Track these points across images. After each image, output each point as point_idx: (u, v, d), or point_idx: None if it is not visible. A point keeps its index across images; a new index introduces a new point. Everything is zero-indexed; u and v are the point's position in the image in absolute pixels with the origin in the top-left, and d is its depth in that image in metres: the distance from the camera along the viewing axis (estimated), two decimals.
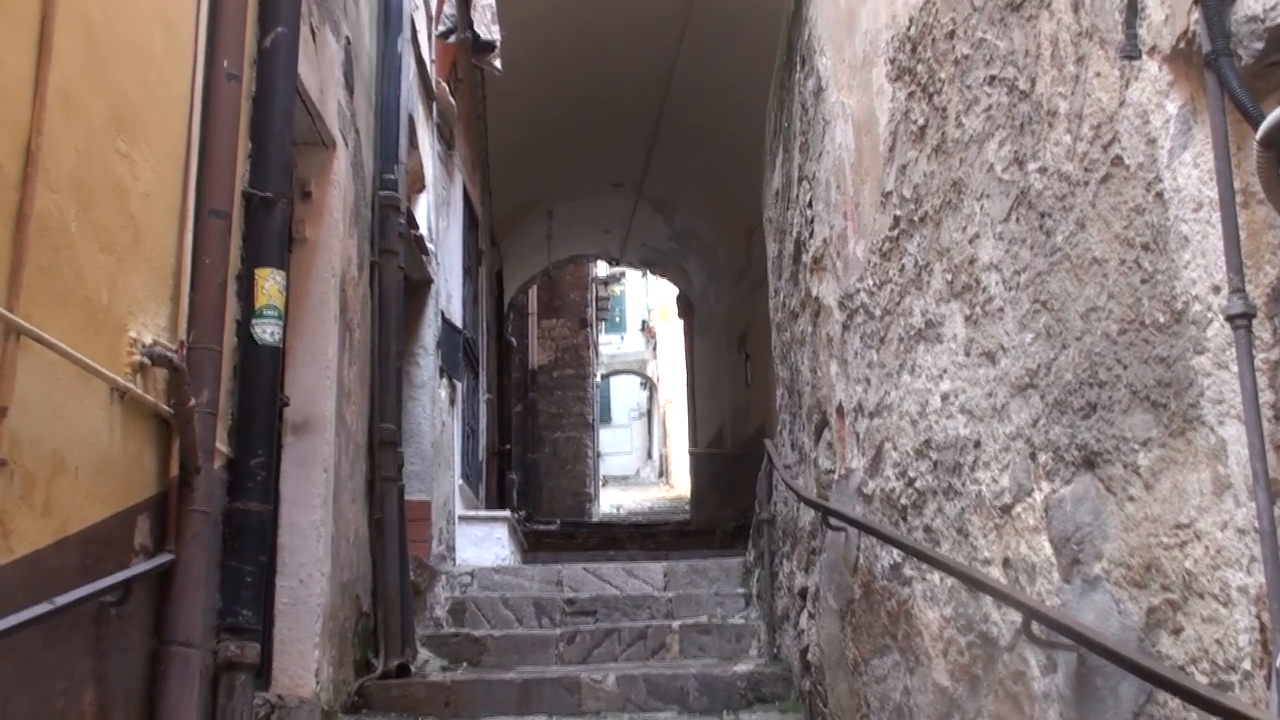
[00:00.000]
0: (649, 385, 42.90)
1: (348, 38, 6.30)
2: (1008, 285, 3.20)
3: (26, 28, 3.01)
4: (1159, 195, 2.43)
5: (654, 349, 40.30)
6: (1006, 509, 3.20)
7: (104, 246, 3.36)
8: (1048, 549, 2.95)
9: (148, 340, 3.59)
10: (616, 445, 43.00)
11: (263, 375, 4.43)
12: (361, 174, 6.51)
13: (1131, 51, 2.41)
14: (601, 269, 30.97)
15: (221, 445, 4.18)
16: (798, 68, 5.69)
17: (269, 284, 4.43)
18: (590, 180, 17.37)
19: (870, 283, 4.46)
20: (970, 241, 3.47)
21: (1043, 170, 2.98)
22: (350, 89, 6.28)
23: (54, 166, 3.07)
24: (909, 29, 4.00)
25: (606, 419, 41.48)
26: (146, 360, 3.56)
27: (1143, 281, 2.49)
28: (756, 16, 11.40)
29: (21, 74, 2.97)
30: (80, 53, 3.26)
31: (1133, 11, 2.41)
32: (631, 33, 12.64)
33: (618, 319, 42.10)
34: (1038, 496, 3.01)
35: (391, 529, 6.33)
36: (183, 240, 3.94)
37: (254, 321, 4.40)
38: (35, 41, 3.03)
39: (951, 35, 3.60)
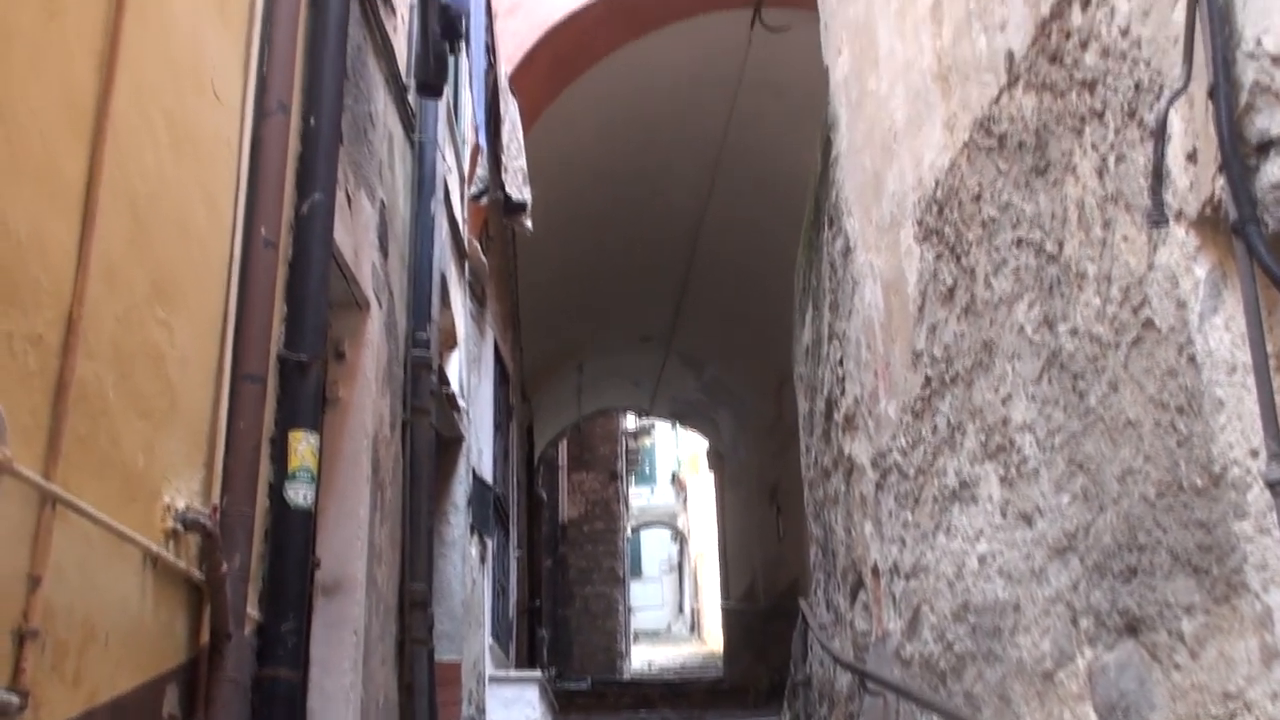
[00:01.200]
0: (679, 538, 42.58)
1: (382, 201, 6.42)
2: (1042, 446, 3.18)
3: (72, 201, 3.08)
4: (1191, 358, 2.43)
5: (684, 501, 40.09)
6: (1049, 675, 3.13)
7: (141, 413, 3.39)
8: (1093, 718, 2.88)
9: (181, 506, 3.59)
10: (647, 599, 42.51)
11: (295, 539, 4.42)
12: (394, 334, 6.57)
13: (1159, 218, 2.43)
14: (631, 421, 31.01)
15: (252, 610, 4.15)
16: (826, 227, 5.77)
17: (302, 446, 4.44)
18: (620, 334, 17.52)
19: (903, 442, 4.45)
20: (1003, 402, 3.46)
21: (1073, 332, 2.99)
22: (384, 251, 6.39)
23: (94, 335, 3.12)
24: (935, 192, 4.05)
25: (637, 572, 41.07)
26: (180, 526, 3.56)
27: (1179, 445, 2.47)
28: (783, 172, 11.61)
29: (65, 246, 3.03)
30: (124, 224, 3.33)
31: (1158, 179, 2.44)
32: (660, 190, 12.87)
33: (648, 471, 41.97)
34: (1080, 663, 2.95)
35: (421, 693, 6.24)
36: (218, 404, 3.96)
37: (286, 484, 4.40)
38: (80, 214, 3.10)
39: (978, 198, 3.65)
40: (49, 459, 2.90)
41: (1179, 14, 2.47)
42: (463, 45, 6.09)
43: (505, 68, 8.76)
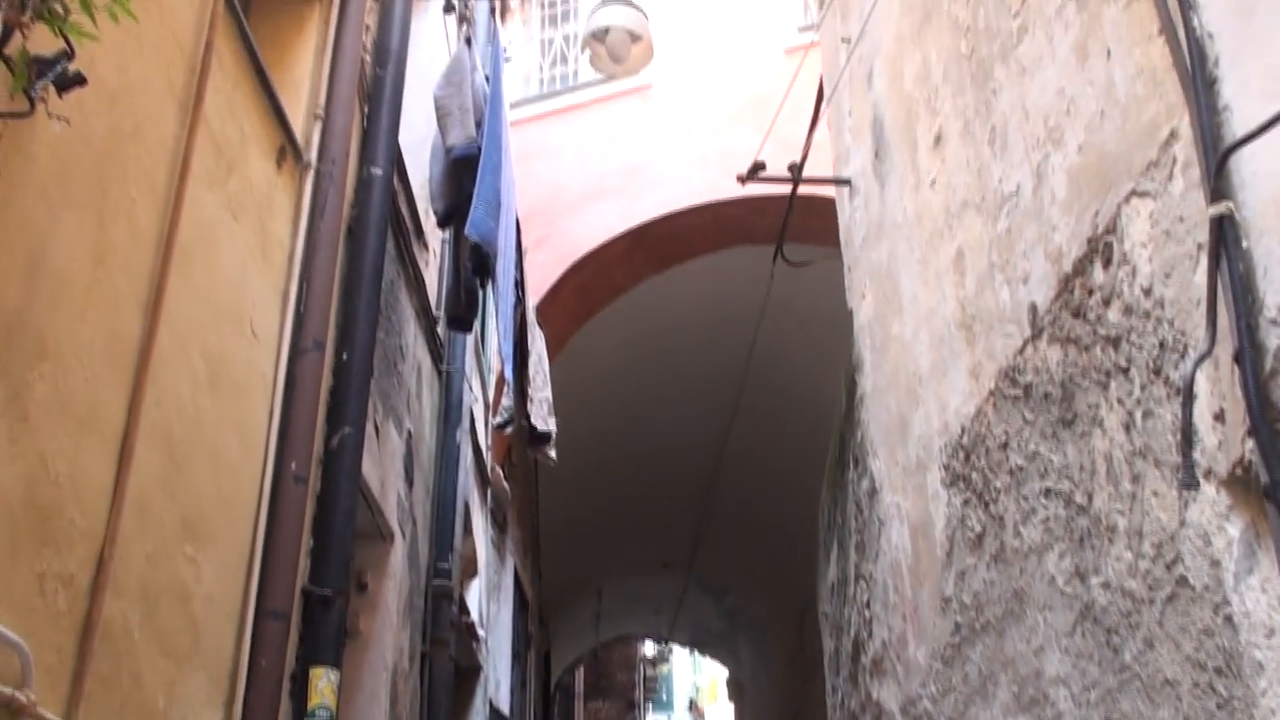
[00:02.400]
0: None
1: (409, 431, 6.49)
2: (1077, 701, 3.12)
3: (110, 439, 3.13)
4: (1228, 619, 2.40)
5: None
6: None
7: (164, 651, 3.37)
8: None
9: None
10: None
11: None
12: (416, 564, 6.55)
13: (1190, 482, 2.44)
14: (649, 648, 30.47)
15: None
16: (851, 466, 5.79)
17: (322, 683, 4.39)
18: (640, 561, 17.39)
19: (933, 689, 4.37)
20: (1035, 653, 3.41)
21: (1106, 585, 2.97)
22: (410, 480, 6.42)
23: (123, 574, 3.13)
24: (961, 437, 4.08)
25: None
26: None
27: (1219, 707, 2.43)
28: (805, 401, 11.70)
29: (101, 485, 3.07)
30: (159, 463, 3.37)
31: (1188, 442, 2.46)
32: (683, 417, 12.96)
33: (664, 698, 41.00)
34: None
35: None
36: (240, 641, 3.94)
37: None
38: (116, 454, 3.15)
39: (1005, 446, 3.67)
40: (71, 700, 2.88)
41: (1200, 277, 2.53)
42: (491, 279, 6.25)
43: (532, 299, 8.95)
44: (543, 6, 12.21)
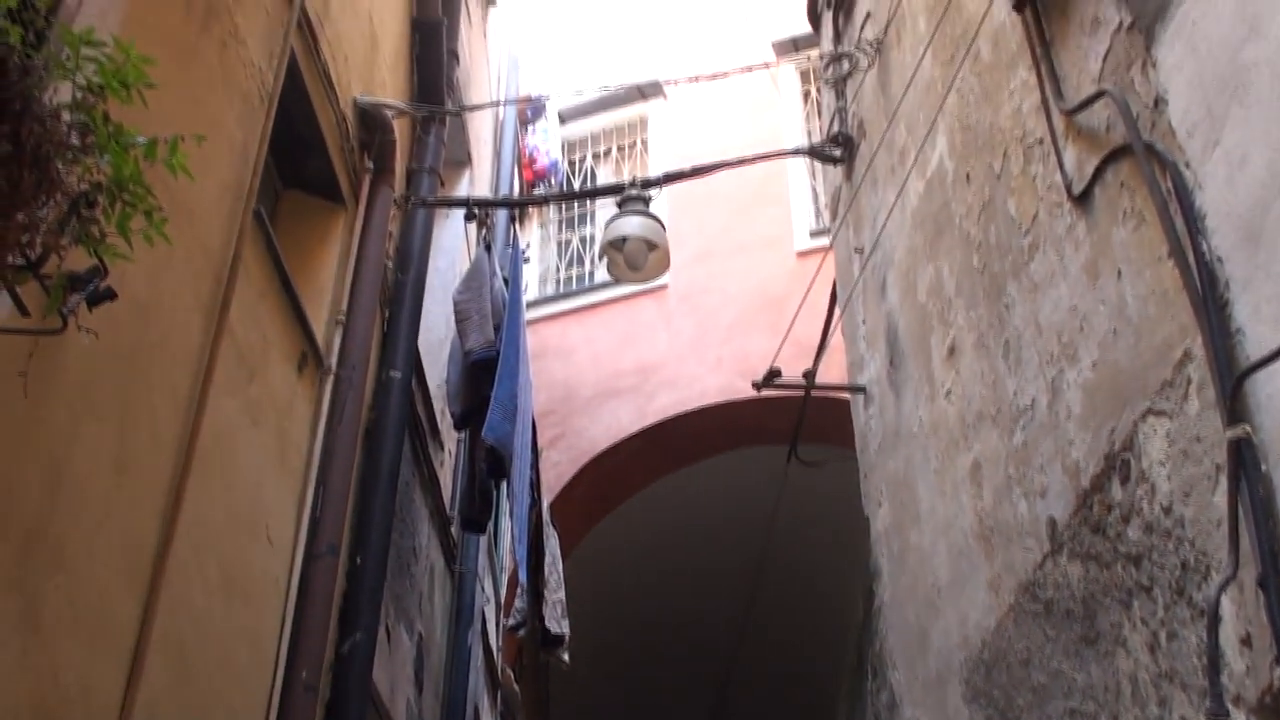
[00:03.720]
0: None
1: (420, 634, 6.41)
2: None
3: (120, 652, 3.10)
4: None
5: None
6: None
7: None
8: None
9: None
10: None
11: None
12: None
13: (1218, 710, 2.39)
14: None
15: None
16: (869, 677, 5.69)
17: None
18: None
19: None
20: None
21: None
22: (420, 685, 6.31)
23: None
24: (982, 652, 4.02)
25: None
26: None
27: None
28: (820, 594, 11.56)
29: (110, 698, 3.02)
30: (169, 673, 3.33)
31: (1214, 668, 2.42)
32: (697, 613, 12.78)
33: None
34: None
35: None
36: None
37: None
38: (127, 664, 3.11)
39: (1026, 663, 3.61)
40: None
41: (1220, 498, 2.52)
42: (506, 482, 6.26)
43: (546, 498, 8.94)
44: (560, 210, 12.51)
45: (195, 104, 3.61)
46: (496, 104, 9.71)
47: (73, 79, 2.21)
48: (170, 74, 3.26)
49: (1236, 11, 2.58)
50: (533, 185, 11.57)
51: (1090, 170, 3.26)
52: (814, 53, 8.89)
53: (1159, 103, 2.90)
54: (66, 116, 2.21)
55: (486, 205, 7.47)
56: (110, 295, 2.66)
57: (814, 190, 10.79)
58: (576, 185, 12.41)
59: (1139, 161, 2.94)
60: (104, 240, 2.34)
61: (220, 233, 3.77)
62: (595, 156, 12.66)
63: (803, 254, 10.40)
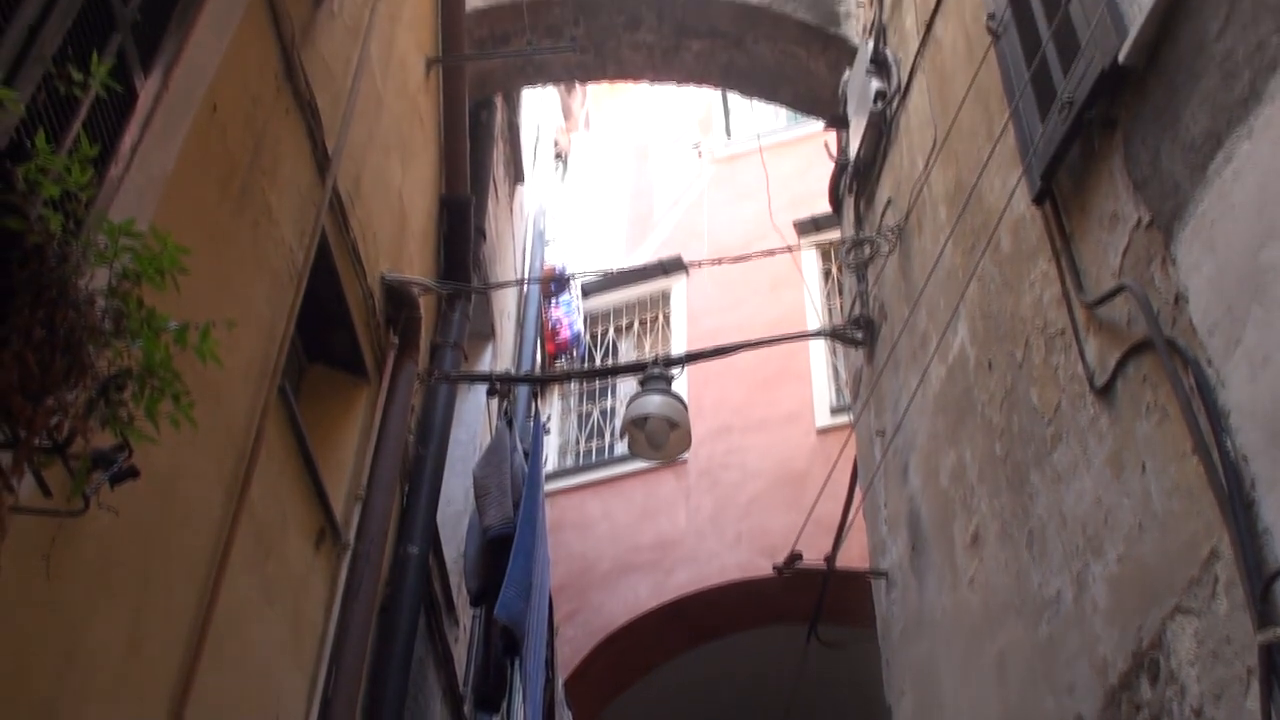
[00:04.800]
0: None
1: None
2: None
3: None
4: None
5: None
6: None
7: None
8: None
9: None
10: None
11: None
12: None
13: None
14: None
15: None
16: None
17: None
18: None
19: None
20: None
21: None
22: None
23: None
24: None
25: None
26: None
27: None
28: None
29: None
30: None
31: None
32: None
33: None
34: None
35: None
36: None
37: None
38: None
39: None
40: None
41: (1252, 702, 2.47)
42: (520, 660, 6.18)
43: (560, 675, 8.79)
44: (581, 383, 12.58)
45: (226, 284, 3.67)
46: (521, 282, 9.86)
47: (110, 266, 2.26)
48: (203, 255, 3.33)
49: (1254, 213, 2.62)
50: (555, 357, 11.67)
51: (1112, 363, 3.27)
52: (835, 234, 9.03)
53: (1179, 299, 2.93)
54: (101, 302, 2.25)
55: (510, 382, 7.53)
56: (133, 474, 2.67)
57: (835, 368, 10.83)
58: (598, 357, 12.50)
59: (1161, 357, 2.95)
60: (131, 423, 2.36)
61: (244, 409, 3.80)
62: (617, 329, 12.78)
63: (823, 431, 10.39)
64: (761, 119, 13.09)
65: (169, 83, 3.22)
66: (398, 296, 5.71)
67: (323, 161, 4.60)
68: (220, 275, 3.62)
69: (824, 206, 8.57)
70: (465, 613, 7.44)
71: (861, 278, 6.36)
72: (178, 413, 2.41)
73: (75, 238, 2.19)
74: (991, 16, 4.24)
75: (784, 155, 12.17)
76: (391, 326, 5.66)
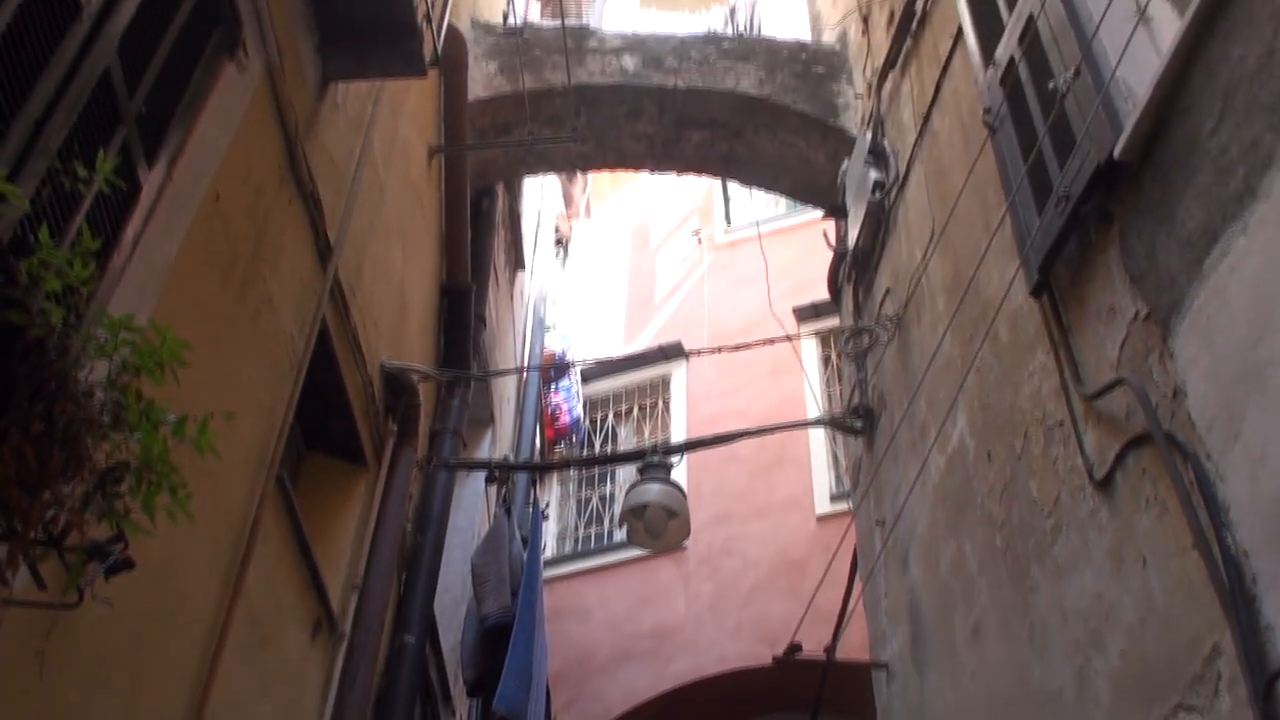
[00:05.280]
0: None
1: None
2: None
3: None
4: None
5: None
6: None
7: None
8: None
9: None
10: None
11: None
12: None
13: None
14: None
15: None
16: None
17: None
18: None
19: None
20: None
21: None
22: None
23: None
24: None
25: None
26: None
27: None
28: None
29: None
30: None
31: None
32: None
33: None
34: None
35: None
36: None
37: None
38: None
39: None
40: None
41: None
42: None
43: None
44: (580, 468, 12.54)
45: (226, 374, 3.68)
46: (521, 370, 9.88)
47: (109, 360, 2.26)
48: (204, 345, 3.34)
49: (1250, 308, 2.63)
50: (554, 442, 11.65)
51: (1111, 456, 3.27)
52: (835, 321, 9.06)
53: (1178, 393, 2.93)
54: (100, 395, 2.26)
55: (509, 469, 7.51)
56: (129, 565, 2.65)
57: (834, 455, 10.80)
58: (598, 442, 12.48)
59: (1160, 451, 2.95)
60: (128, 516, 2.35)
61: (242, 499, 3.79)
62: (617, 415, 12.77)
63: (823, 518, 10.33)
64: (761, 206, 13.19)
65: (173, 174, 3.26)
66: (397, 384, 5.72)
67: (324, 251, 4.63)
68: (220, 365, 3.63)
69: (824, 293, 8.59)
70: (462, 702, 7.35)
71: (861, 366, 6.37)
72: (175, 506, 2.40)
73: (76, 331, 2.20)
74: (988, 110, 4.29)
75: (784, 242, 12.24)
76: (390, 414, 5.66)
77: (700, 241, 13.85)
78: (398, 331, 5.98)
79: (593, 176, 14.68)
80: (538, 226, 11.72)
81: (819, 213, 8.66)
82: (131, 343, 2.28)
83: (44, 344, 2.12)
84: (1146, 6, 3.40)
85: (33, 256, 2.14)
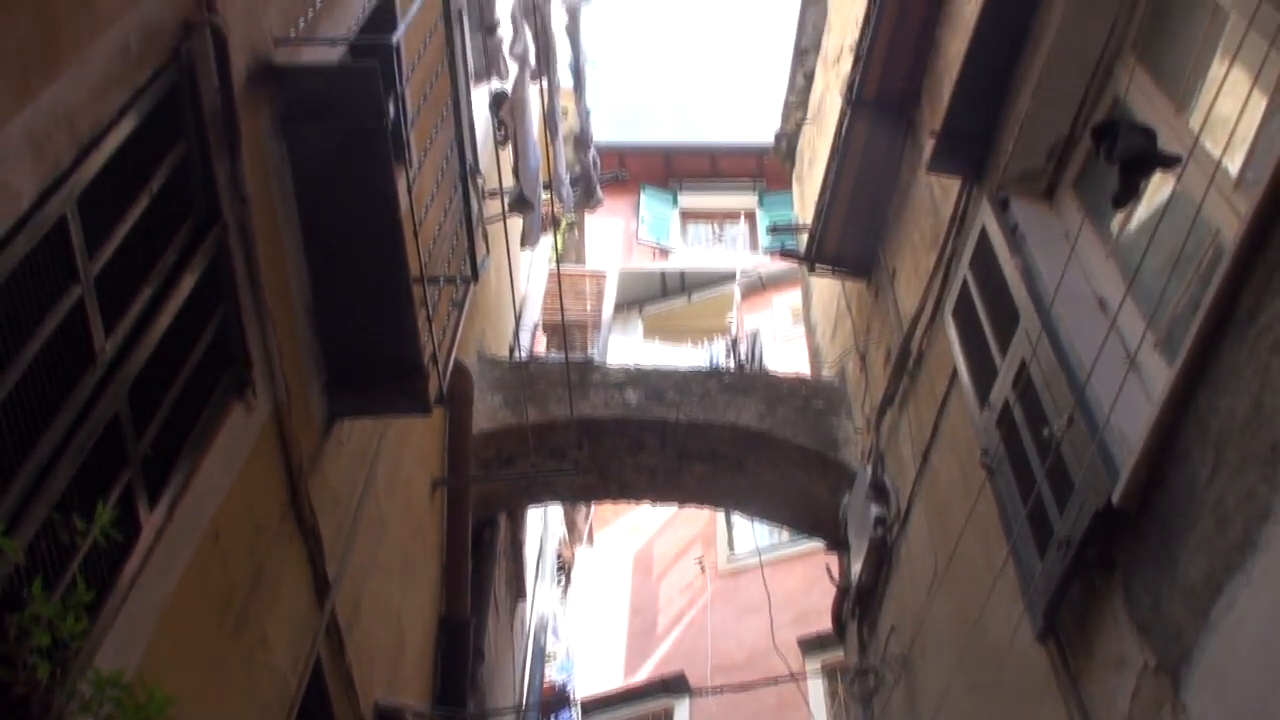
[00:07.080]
0: None
1: None
2: None
3: None
4: None
5: None
6: None
7: None
8: None
9: None
10: None
11: None
12: None
13: None
14: None
15: None
16: None
17: None
18: None
19: None
20: None
21: None
22: None
23: None
24: None
25: None
26: None
27: None
28: None
29: None
30: None
31: None
32: None
33: None
34: None
35: None
36: None
37: None
38: None
39: None
40: None
41: None
42: None
43: None
44: None
45: (214, 716, 3.57)
46: (520, 709, 9.64)
47: (94, 716, 2.20)
48: (193, 685, 3.27)
49: (1262, 662, 2.58)
50: None
51: None
52: (840, 653, 8.89)
53: None
54: None
55: None
56: None
57: None
58: None
59: None
60: None
61: None
62: None
63: None
64: (764, 533, 13.17)
65: (174, 514, 3.25)
66: None
67: (322, 588, 4.57)
68: (209, 706, 3.52)
69: (828, 623, 8.47)
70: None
71: (867, 707, 6.21)
72: None
73: (61, 687, 2.15)
74: (985, 452, 4.33)
75: (787, 571, 12.16)
76: None
77: (703, 570, 13.76)
78: (393, 665, 5.84)
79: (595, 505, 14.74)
80: (540, 554, 11.67)
81: (822, 541, 8.65)
82: (117, 698, 2.22)
83: (28, 700, 2.07)
84: (1136, 354, 3.47)
85: (24, 611, 2.11)
